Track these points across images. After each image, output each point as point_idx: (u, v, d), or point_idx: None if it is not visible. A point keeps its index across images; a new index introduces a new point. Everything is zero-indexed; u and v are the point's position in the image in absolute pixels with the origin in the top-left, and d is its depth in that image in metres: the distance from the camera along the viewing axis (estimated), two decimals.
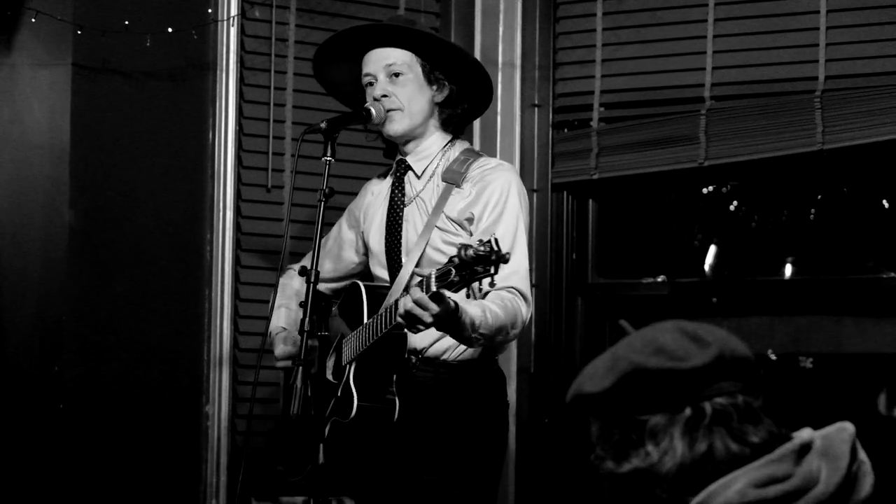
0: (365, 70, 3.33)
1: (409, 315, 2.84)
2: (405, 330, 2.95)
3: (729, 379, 1.67)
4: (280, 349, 3.40)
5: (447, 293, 2.83)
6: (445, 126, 3.34)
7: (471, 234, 3.22)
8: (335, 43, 3.40)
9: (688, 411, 1.66)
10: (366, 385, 3.17)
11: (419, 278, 2.85)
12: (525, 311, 3.15)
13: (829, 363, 4.67)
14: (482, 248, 2.65)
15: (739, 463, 1.65)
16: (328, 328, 3.36)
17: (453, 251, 3.17)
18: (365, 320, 3.16)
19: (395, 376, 3.17)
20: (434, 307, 2.82)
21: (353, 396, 3.15)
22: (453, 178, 3.27)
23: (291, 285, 3.54)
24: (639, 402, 1.68)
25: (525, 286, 3.17)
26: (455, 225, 3.24)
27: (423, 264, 3.20)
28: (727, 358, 1.67)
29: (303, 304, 3.03)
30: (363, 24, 3.42)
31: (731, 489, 1.63)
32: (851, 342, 4.36)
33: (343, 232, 3.54)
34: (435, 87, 3.31)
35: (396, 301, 2.93)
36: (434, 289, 2.78)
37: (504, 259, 2.65)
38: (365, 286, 3.25)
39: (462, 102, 3.34)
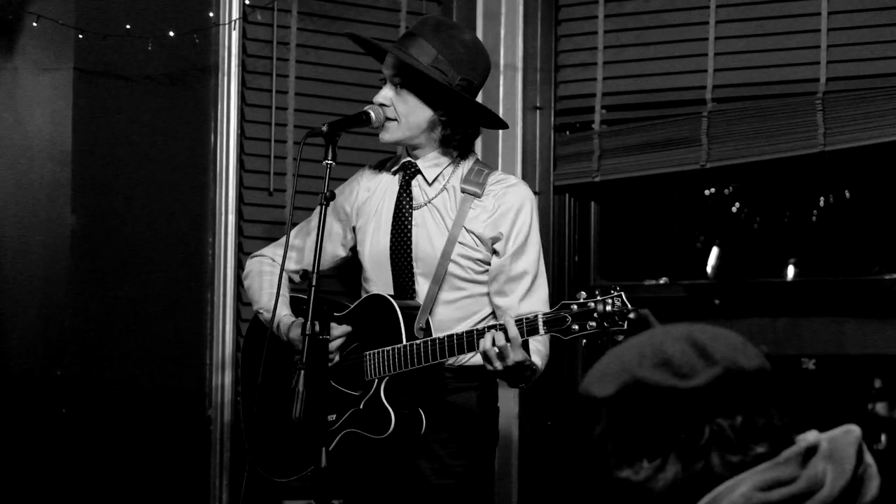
0: (383, 67, 3.32)
1: (499, 351, 2.98)
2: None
3: (731, 397, 1.65)
4: (296, 333, 3.29)
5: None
6: (445, 143, 3.30)
7: (492, 253, 3.25)
8: (364, 42, 3.42)
9: (684, 433, 1.65)
10: (395, 400, 3.18)
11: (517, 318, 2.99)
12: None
13: (832, 364, 4.67)
14: (619, 304, 2.86)
15: (740, 470, 1.64)
16: (328, 332, 3.31)
17: (471, 265, 3.22)
18: (404, 341, 3.15)
19: (423, 392, 3.20)
20: (521, 352, 2.98)
21: (388, 414, 3.15)
22: (473, 190, 3.28)
23: (273, 272, 3.45)
24: (638, 415, 1.67)
25: None
26: (476, 239, 3.25)
27: (444, 283, 3.24)
28: (732, 374, 1.65)
29: (303, 307, 3.02)
30: (385, 43, 3.37)
31: (736, 492, 1.62)
32: (853, 344, 4.36)
33: (329, 224, 3.40)
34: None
35: (482, 330, 3.02)
36: (542, 332, 2.95)
37: (641, 316, 2.84)
38: (398, 304, 3.21)
39: (466, 125, 3.30)
